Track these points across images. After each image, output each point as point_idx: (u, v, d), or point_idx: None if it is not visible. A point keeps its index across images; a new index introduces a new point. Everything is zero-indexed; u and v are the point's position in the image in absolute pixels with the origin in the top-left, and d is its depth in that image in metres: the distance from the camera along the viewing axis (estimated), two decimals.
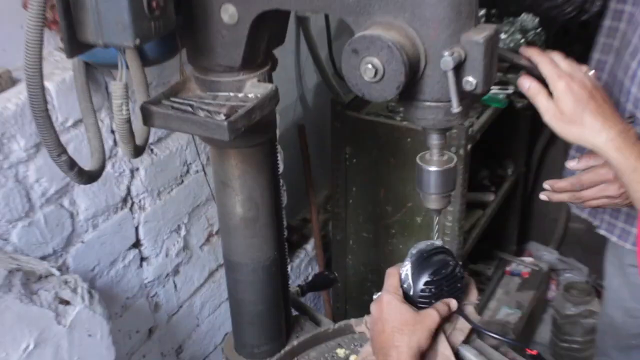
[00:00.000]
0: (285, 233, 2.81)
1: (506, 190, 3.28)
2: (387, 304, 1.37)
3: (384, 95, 1.16)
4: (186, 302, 2.21)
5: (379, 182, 2.68)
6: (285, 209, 2.88)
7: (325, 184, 3.11)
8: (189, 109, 1.33)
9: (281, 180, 2.63)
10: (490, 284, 3.52)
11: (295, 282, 2.62)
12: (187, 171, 2.07)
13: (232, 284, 1.69)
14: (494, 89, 2.82)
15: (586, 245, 3.78)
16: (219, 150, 1.51)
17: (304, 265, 2.97)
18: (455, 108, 1.14)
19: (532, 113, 3.39)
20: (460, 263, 1.45)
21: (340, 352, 1.62)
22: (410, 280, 1.40)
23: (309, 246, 3.03)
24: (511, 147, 3.48)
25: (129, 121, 1.30)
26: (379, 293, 1.44)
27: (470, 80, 1.15)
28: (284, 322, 1.80)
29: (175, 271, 2.13)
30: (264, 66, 1.43)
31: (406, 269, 1.41)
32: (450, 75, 1.12)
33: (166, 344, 2.15)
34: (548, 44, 3.40)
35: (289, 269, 2.87)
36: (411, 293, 1.40)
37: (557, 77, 1.30)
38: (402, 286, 1.40)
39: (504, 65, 3.07)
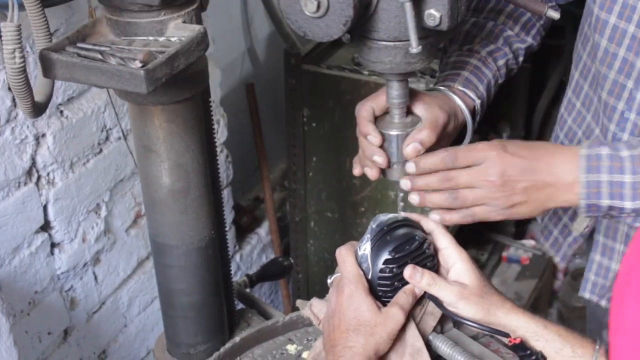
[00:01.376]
0: (232, 213, 2.86)
1: None
2: (348, 297, 1.39)
3: (330, 33, 1.18)
4: (110, 298, 2.23)
5: (343, 150, 2.70)
6: (233, 186, 2.93)
7: (282, 157, 3.13)
8: (98, 56, 1.34)
9: (225, 150, 2.67)
10: (484, 272, 3.55)
11: (245, 273, 2.64)
12: (107, 138, 2.08)
13: (161, 270, 1.71)
14: None
15: None
16: (139, 107, 1.52)
17: (256, 253, 2.99)
18: (415, 47, 1.17)
19: (531, 65, 3.46)
20: (429, 238, 1.46)
21: (291, 348, 1.65)
22: (369, 261, 1.42)
23: (263, 230, 3.07)
24: (507, 107, 3.52)
25: (23, 71, 1.31)
26: (335, 275, 1.47)
27: (433, 14, 1.18)
28: (226, 317, 1.82)
29: (95, 260, 2.14)
30: (190, 4, 1.44)
31: (365, 246, 1.42)
32: (408, 7, 1.14)
33: (86, 349, 2.17)
34: None
35: (237, 258, 2.92)
36: (369, 276, 1.42)
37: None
38: (360, 268, 1.43)
39: None
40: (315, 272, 3.06)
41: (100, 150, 2.07)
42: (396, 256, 1.40)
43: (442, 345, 1.50)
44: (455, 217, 1.45)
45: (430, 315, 1.50)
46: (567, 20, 3.59)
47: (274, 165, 3.31)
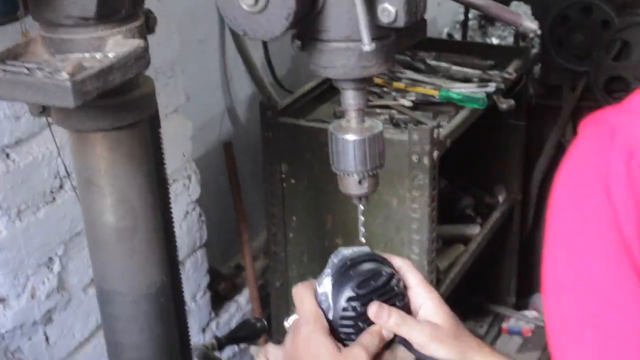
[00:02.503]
0: (207, 277, 2.74)
1: (496, 222, 3.22)
2: (305, 340, 1.27)
3: (272, 29, 1.10)
4: None
5: (324, 206, 2.62)
6: (212, 252, 2.82)
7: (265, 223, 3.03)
8: (25, 71, 1.25)
9: (198, 209, 2.56)
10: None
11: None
12: (61, 186, 1.98)
13: (108, 321, 1.60)
14: (471, 87, 2.77)
15: None
16: (77, 136, 1.44)
17: (234, 322, 2.87)
18: (367, 44, 1.07)
19: (526, 125, 3.38)
20: (399, 276, 1.34)
21: None
22: (330, 299, 1.29)
23: (242, 298, 2.96)
24: (502, 170, 3.43)
25: None
26: (292, 317, 1.35)
27: (388, 9, 1.10)
28: None
29: (47, 319, 2.02)
30: (131, 20, 1.37)
31: (325, 283, 1.30)
32: (358, 1, 1.05)
33: None
34: (544, 36, 3.38)
35: (213, 326, 2.78)
36: (330, 316, 1.29)
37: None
38: (320, 307, 1.30)
39: (486, 64, 3.05)
40: None
41: (53, 199, 1.97)
42: (360, 293, 1.28)
43: None
44: None
45: None
46: (565, 80, 3.53)
47: (257, 233, 3.21)
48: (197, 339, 2.62)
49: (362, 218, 1.36)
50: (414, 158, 2.37)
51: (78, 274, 2.09)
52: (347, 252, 1.34)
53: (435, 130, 2.37)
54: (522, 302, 3.86)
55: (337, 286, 1.29)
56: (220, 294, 2.91)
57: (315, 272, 2.72)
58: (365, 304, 1.29)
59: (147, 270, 1.52)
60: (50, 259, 2.00)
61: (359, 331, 1.29)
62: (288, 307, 2.87)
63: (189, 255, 2.58)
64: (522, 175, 3.53)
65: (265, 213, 2.79)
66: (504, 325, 3.62)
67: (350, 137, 1.23)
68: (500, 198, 3.39)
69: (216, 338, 2.10)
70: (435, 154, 2.39)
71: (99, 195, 1.45)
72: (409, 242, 2.51)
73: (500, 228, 3.31)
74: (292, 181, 2.65)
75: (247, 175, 3.03)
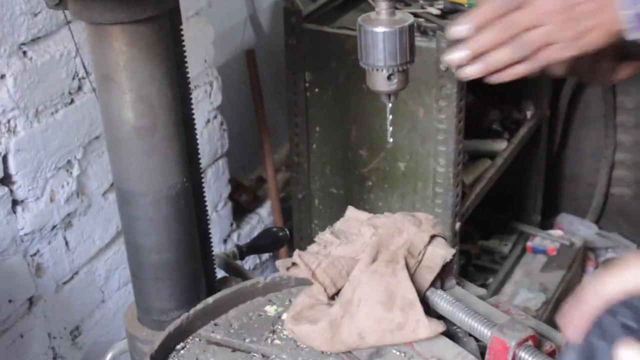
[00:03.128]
0: (229, 187, 2.72)
1: (524, 138, 3.17)
2: None
3: None
4: (84, 268, 2.11)
5: (348, 117, 2.58)
6: (234, 164, 2.80)
7: (287, 136, 2.98)
8: None
9: (220, 117, 2.53)
10: (505, 264, 3.41)
11: None
12: (79, 88, 1.95)
13: (127, 223, 1.58)
14: None
15: (633, 217, 3.71)
16: (95, 28, 1.39)
17: (256, 234, 2.84)
18: None
19: None
20: None
21: (271, 309, 1.52)
22: None
23: (264, 211, 2.94)
24: (532, 85, 3.36)
25: None
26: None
27: None
28: (203, 281, 1.68)
29: (67, 224, 2.02)
30: None
31: None
32: None
33: (56, 322, 2.04)
34: None
35: (235, 237, 2.77)
36: None
37: None
38: None
39: None
40: None
41: (72, 101, 1.94)
42: None
43: (440, 302, 1.36)
44: (521, 68, 1.28)
45: (427, 269, 1.37)
46: None
47: (279, 145, 3.18)
48: (218, 249, 2.62)
49: (390, 117, 1.32)
50: (442, 66, 2.32)
51: (97, 179, 2.08)
52: None
53: None
54: (548, 221, 3.84)
55: None
56: (241, 205, 2.89)
57: (338, 185, 2.71)
58: None
59: (166, 170, 1.50)
60: (69, 162, 1.98)
61: None
62: (310, 220, 2.86)
63: (210, 165, 2.56)
64: (552, 91, 3.46)
65: (288, 123, 2.75)
66: (529, 243, 3.58)
67: (380, 29, 1.19)
68: (528, 114, 3.33)
69: (237, 247, 2.09)
70: None
71: (117, 92, 1.42)
72: (435, 154, 2.47)
73: (527, 144, 3.26)
74: (316, 90, 2.60)
75: (270, 84, 2.98)
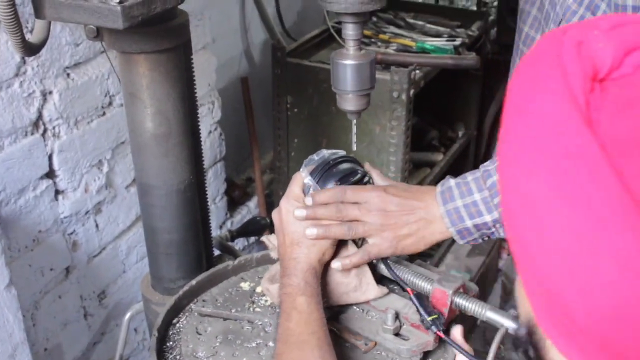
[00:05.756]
0: (225, 185, 2.72)
1: (456, 151, 3.19)
2: (286, 214, 1.27)
3: None
4: (110, 245, 2.09)
5: (320, 132, 2.58)
6: (229, 166, 2.79)
7: (272, 144, 2.98)
8: None
9: (219, 129, 2.53)
10: (439, 250, 3.42)
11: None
12: (110, 103, 1.94)
13: (145, 209, 1.57)
14: (442, 41, 2.72)
15: None
16: (125, 57, 1.39)
17: (245, 222, 2.83)
18: None
19: (482, 75, 3.33)
20: (369, 174, 1.34)
21: (245, 285, 1.52)
22: (314, 188, 1.29)
23: (252, 204, 2.92)
24: (461, 111, 3.38)
25: (12, 5, 1.16)
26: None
27: None
28: (204, 257, 1.68)
29: (97, 210, 2.00)
30: None
31: (309, 175, 1.30)
32: None
33: (86, 287, 2.02)
34: (501, 3, 3.32)
35: (229, 224, 2.76)
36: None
37: None
38: (303, 193, 1.30)
39: (454, 24, 2.99)
40: None
41: (104, 113, 1.93)
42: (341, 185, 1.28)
43: (384, 267, 1.35)
44: (355, 259, 1.30)
45: None
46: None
47: (265, 152, 3.17)
48: (215, 233, 2.60)
49: (355, 128, 1.33)
50: (394, 94, 2.33)
51: (122, 175, 2.06)
52: (327, 152, 1.34)
53: (412, 72, 2.33)
54: None
55: (322, 180, 1.29)
56: (234, 199, 2.88)
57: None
58: None
59: (178, 169, 1.50)
60: (100, 161, 1.96)
61: None
62: None
63: (210, 166, 2.55)
64: (478, 115, 3.49)
65: (273, 135, 2.75)
66: None
67: (349, 62, 1.20)
68: (460, 133, 3.35)
69: (230, 231, 2.10)
70: (412, 91, 2.35)
71: (141, 107, 1.42)
72: (387, 163, 2.48)
73: (459, 156, 3.28)
74: (295, 110, 2.61)
75: (260, 104, 2.97)
